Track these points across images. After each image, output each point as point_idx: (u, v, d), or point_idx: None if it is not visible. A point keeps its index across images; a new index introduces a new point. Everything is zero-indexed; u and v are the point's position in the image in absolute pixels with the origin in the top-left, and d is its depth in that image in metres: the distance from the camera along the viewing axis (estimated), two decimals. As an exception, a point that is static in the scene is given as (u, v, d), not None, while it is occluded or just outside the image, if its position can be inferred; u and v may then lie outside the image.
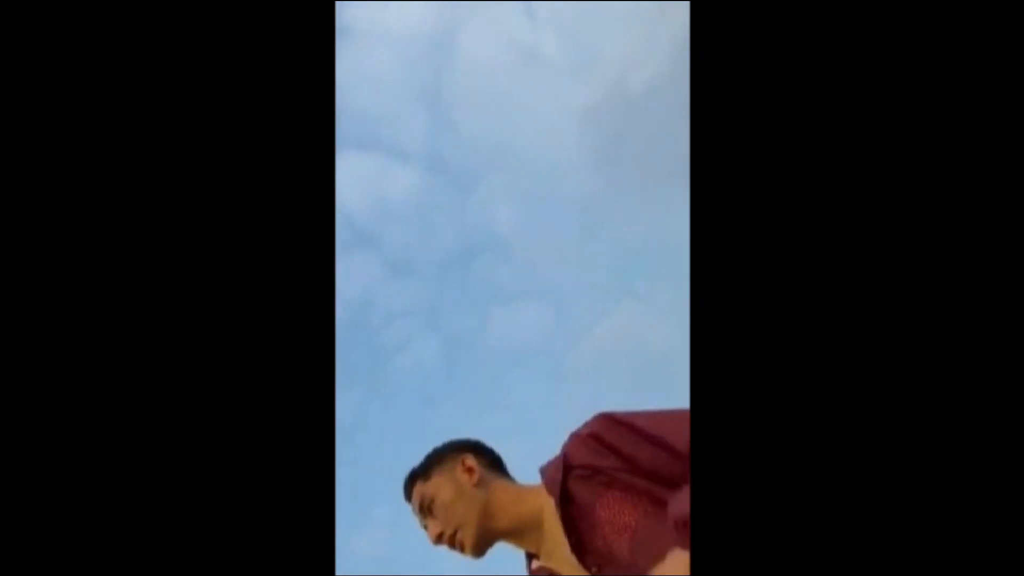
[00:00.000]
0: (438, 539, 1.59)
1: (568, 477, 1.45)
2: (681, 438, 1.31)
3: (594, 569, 1.41)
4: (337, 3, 0.78)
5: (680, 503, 1.23)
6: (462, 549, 1.57)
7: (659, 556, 1.21)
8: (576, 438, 1.49)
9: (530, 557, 1.60)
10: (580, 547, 1.43)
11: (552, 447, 1.59)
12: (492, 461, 1.68)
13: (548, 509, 1.50)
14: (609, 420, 1.45)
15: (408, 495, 1.67)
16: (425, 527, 1.63)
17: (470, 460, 1.64)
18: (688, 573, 1.00)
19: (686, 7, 0.71)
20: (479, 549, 1.57)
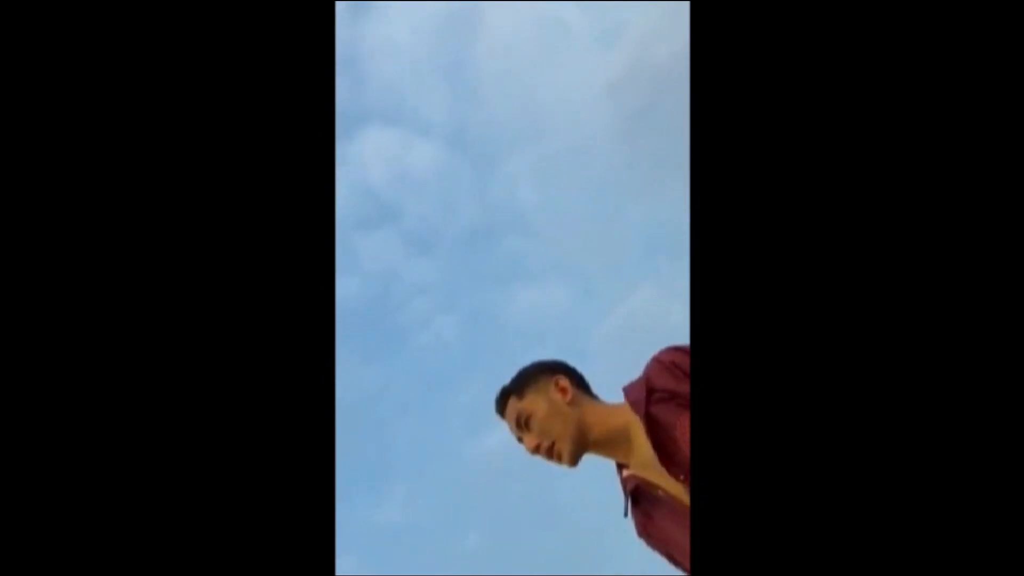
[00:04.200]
0: (535, 450, 1.72)
1: (650, 399, 1.59)
2: None
3: (681, 477, 1.54)
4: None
5: None
6: (559, 460, 1.71)
7: None
8: (657, 363, 1.64)
9: (620, 467, 1.74)
10: (667, 459, 1.56)
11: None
12: (580, 380, 1.82)
13: (635, 424, 1.64)
14: (683, 352, 1.59)
15: (501, 410, 1.80)
16: (520, 439, 1.76)
17: (563, 381, 1.76)
18: None
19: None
20: (574, 460, 1.71)
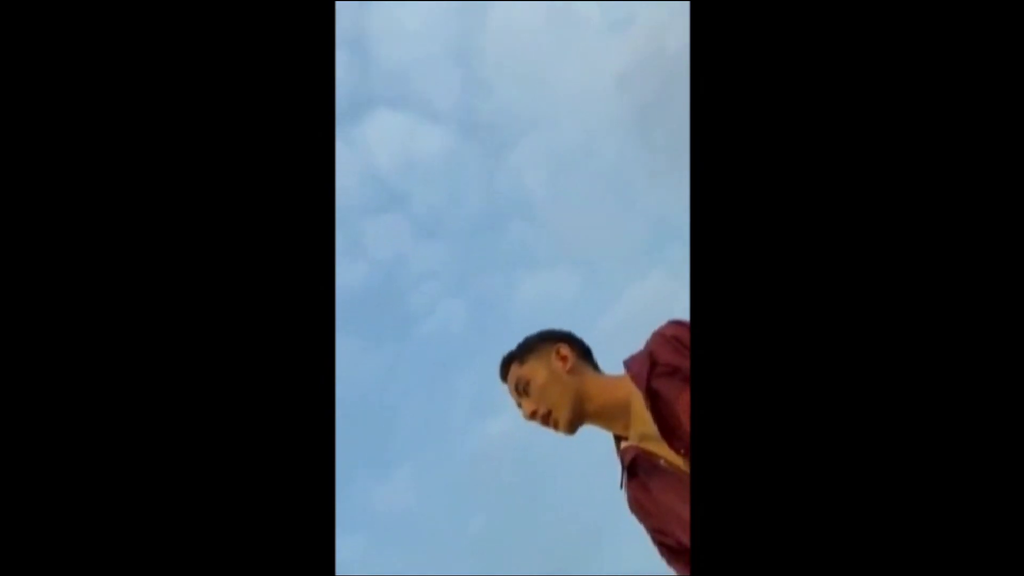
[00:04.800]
0: (532, 416, 1.74)
1: (652, 373, 1.59)
2: None
3: (683, 451, 1.55)
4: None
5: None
6: (555, 427, 1.73)
7: None
8: (660, 336, 1.64)
9: (618, 439, 1.75)
10: (668, 433, 1.57)
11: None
12: (583, 351, 1.82)
13: (635, 397, 1.64)
14: (685, 327, 1.59)
15: (504, 375, 1.82)
16: (519, 404, 1.78)
17: (564, 349, 1.77)
18: None
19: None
20: (571, 429, 1.73)
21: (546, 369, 1.74)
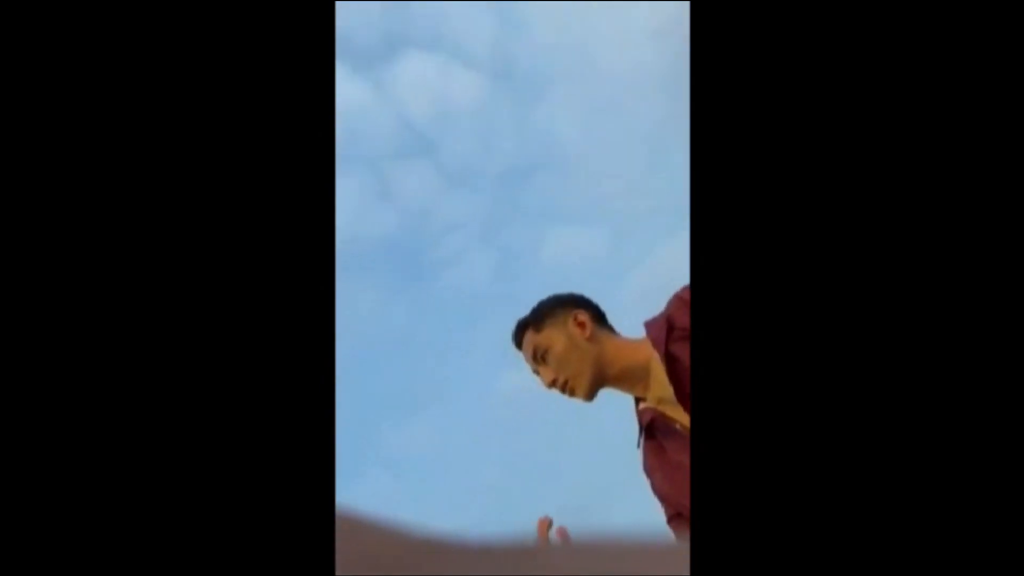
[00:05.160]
0: (552, 384, 1.72)
1: (670, 337, 1.58)
2: None
3: None
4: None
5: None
6: (573, 394, 1.70)
7: None
8: (678, 300, 1.63)
9: (637, 400, 1.76)
10: (684, 397, 1.58)
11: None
12: (598, 315, 1.80)
13: (655, 360, 1.64)
14: None
15: (518, 342, 1.79)
16: (536, 372, 1.75)
17: (582, 315, 1.74)
18: None
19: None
20: (590, 395, 1.71)
21: (564, 336, 1.71)
